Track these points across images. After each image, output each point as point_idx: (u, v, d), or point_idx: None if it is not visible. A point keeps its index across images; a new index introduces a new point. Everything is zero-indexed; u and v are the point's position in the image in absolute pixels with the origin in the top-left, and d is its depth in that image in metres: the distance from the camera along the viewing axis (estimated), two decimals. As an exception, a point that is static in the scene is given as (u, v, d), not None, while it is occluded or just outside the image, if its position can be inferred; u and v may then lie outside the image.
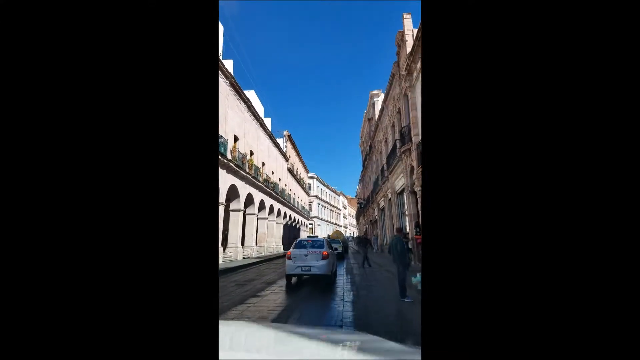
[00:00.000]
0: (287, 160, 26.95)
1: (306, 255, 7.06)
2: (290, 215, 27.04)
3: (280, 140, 26.92)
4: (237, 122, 14.90)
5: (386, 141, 16.23)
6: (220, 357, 0.63)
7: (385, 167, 15.21)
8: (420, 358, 0.65)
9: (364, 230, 15.62)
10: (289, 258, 7.11)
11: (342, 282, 7.38)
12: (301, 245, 7.64)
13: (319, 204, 43.18)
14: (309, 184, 41.26)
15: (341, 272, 9.51)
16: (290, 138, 28.84)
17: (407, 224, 11.41)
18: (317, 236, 9.06)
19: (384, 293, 5.73)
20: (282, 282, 7.37)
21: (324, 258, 7.00)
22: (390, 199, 14.93)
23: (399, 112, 13.07)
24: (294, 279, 7.49)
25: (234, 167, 13.44)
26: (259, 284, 7.13)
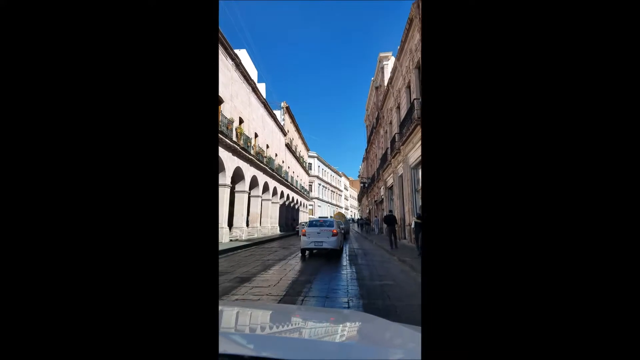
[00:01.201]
0: (285, 134, 24.65)
1: (319, 233, 8.45)
2: (288, 195, 25.03)
3: (277, 113, 24.51)
4: (221, 80, 12.53)
5: (398, 107, 13.87)
6: (221, 337, 0.65)
7: (396, 138, 12.95)
8: (420, 357, 0.66)
9: (367, 211, 13.97)
10: (304, 235, 8.58)
11: (346, 278, 5.34)
12: (314, 224, 9.04)
13: (319, 184, 41.17)
14: (310, 164, 39.08)
15: (343, 262, 7.47)
16: (288, 110, 26.39)
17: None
18: (327, 217, 11.26)
19: (411, 302, 3.66)
20: (260, 279, 5.33)
21: (333, 235, 8.41)
22: (401, 175, 12.76)
23: (417, 67, 10.67)
24: (307, 253, 8.87)
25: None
26: (228, 281, 5.10)
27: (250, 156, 14.72)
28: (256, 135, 17.21)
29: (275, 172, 19.69)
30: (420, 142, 9.58)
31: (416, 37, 10.24)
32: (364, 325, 1.02)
